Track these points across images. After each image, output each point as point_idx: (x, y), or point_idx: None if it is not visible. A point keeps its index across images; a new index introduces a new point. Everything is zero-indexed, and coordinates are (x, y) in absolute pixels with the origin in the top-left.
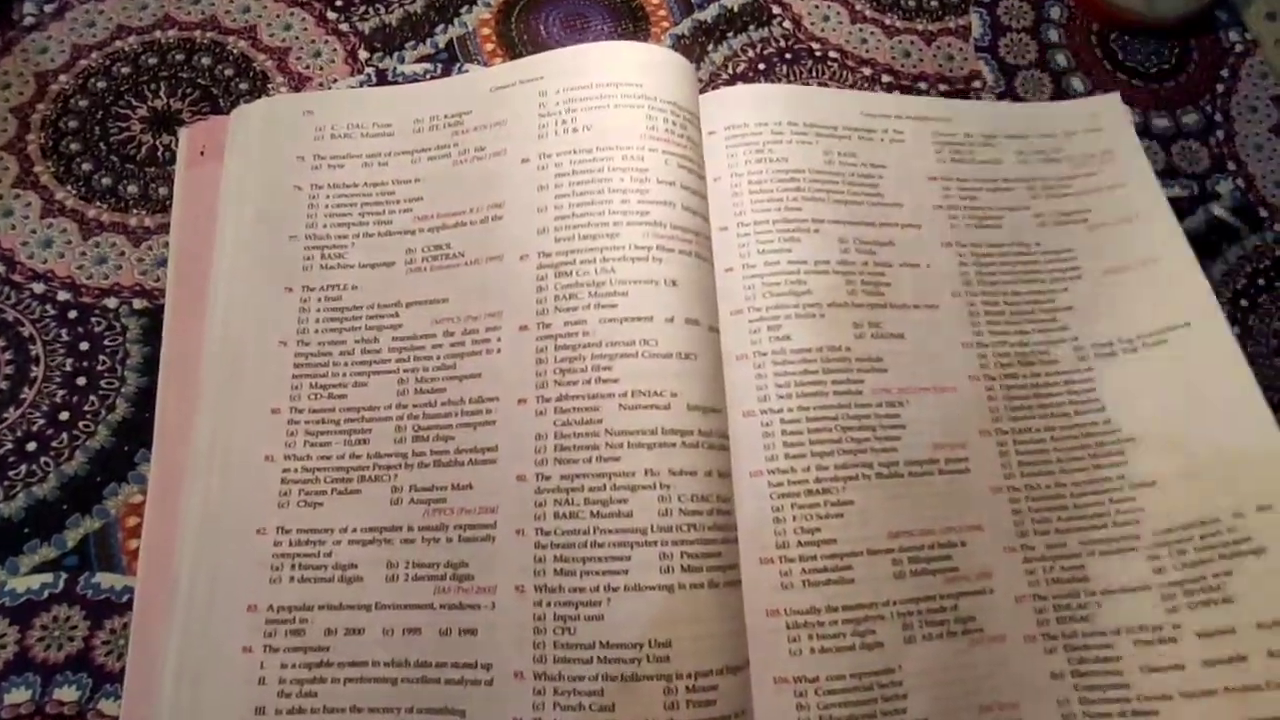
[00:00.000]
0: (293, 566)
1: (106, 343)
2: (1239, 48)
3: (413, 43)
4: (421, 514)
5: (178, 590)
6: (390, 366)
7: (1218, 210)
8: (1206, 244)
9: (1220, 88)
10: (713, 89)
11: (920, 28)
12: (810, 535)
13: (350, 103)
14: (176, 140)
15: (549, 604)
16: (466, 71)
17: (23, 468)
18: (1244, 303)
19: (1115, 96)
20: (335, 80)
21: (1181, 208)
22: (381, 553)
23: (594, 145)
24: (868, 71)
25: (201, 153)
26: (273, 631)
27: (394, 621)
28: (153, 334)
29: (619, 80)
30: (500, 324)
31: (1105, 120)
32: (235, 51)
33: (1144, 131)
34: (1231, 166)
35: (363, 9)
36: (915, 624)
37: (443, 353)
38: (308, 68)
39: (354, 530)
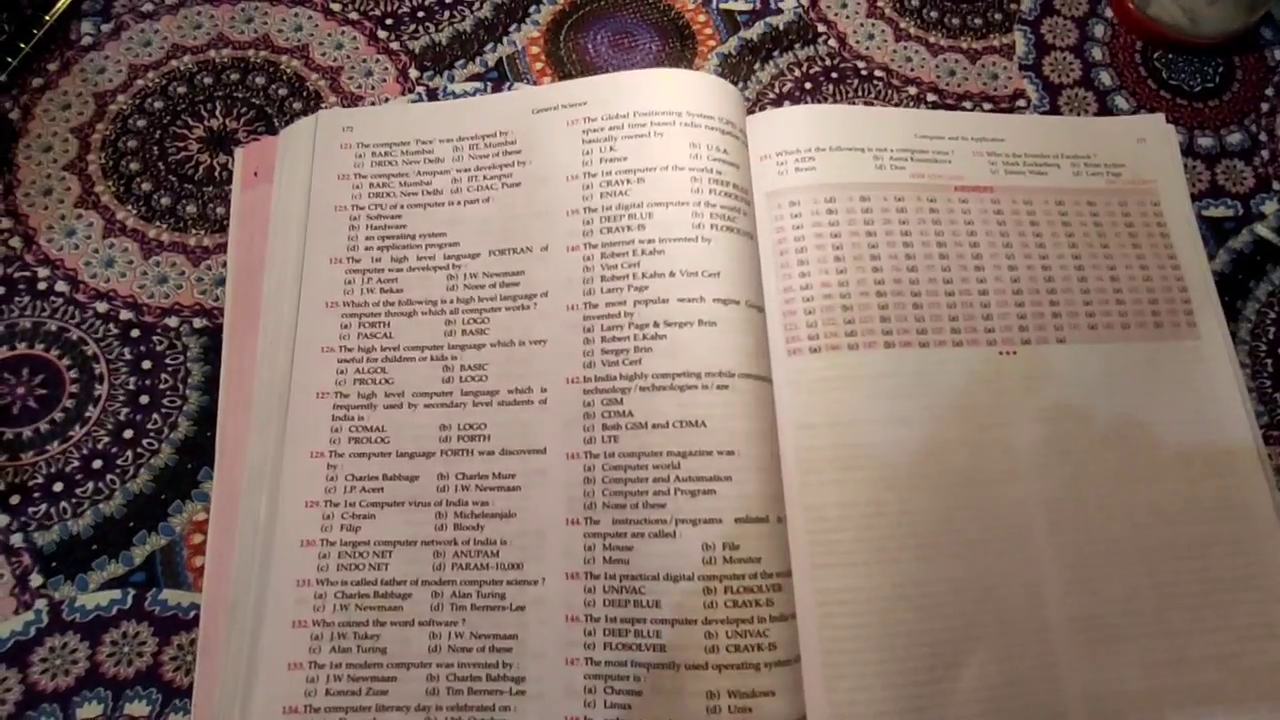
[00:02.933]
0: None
1: (168, 361)
2: None
3: (462, 61)
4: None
5: (233, 607)
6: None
7: (1262, 230)
8: (1251, 264)
9: (1265, 106)
10: (759, 109)
11: (965, 46)
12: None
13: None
14: (233, 160)
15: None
16: (518, 88)
17: (90, 485)
18: None
19: (1160, 117)
20: (386, 99)
21: (1225, 228)
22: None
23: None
24: (913, 90)
25: (255, 174)
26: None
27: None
28: (213, 352)
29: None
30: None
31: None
32: (288, 71)
33: (1188, 150)
34: (1276, 186)
35: (413, 28)
36: None
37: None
38: (359, 87)
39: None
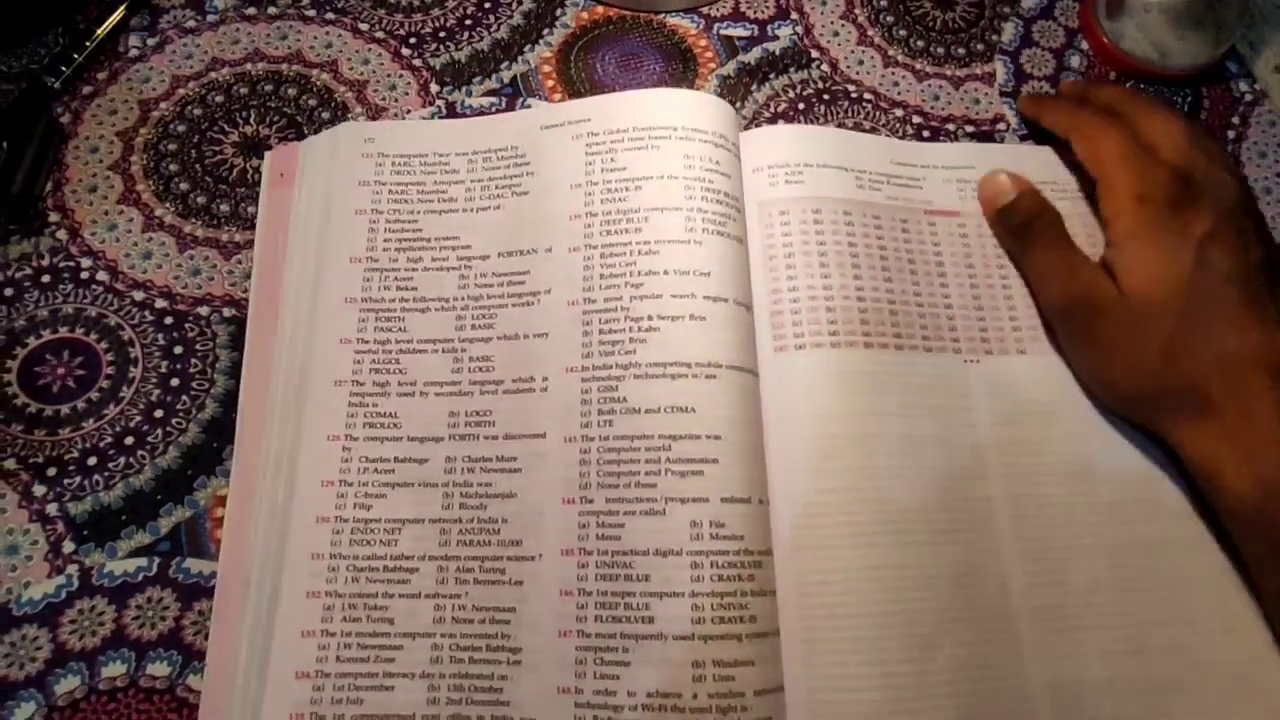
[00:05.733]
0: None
1: (198, 347)
2: (1249, 97)
3: (479, 78)
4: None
5: (250, 578)
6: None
7: None
8: None
9: (1231, 134)
10: (755, 126)
11: (948, 73)
12: None
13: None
14: (263, 163)
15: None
16: (529, 106)
17: (121, 460)
18: None
19: None
20: (409, 111)
21: None
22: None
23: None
24: (899, 113)
25: (281, 175)
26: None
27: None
28: (240, 340)
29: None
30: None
31: None
32: (318, 83)
33: None
34: None
35: (434, 46)
36: None
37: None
38: (384, 99)
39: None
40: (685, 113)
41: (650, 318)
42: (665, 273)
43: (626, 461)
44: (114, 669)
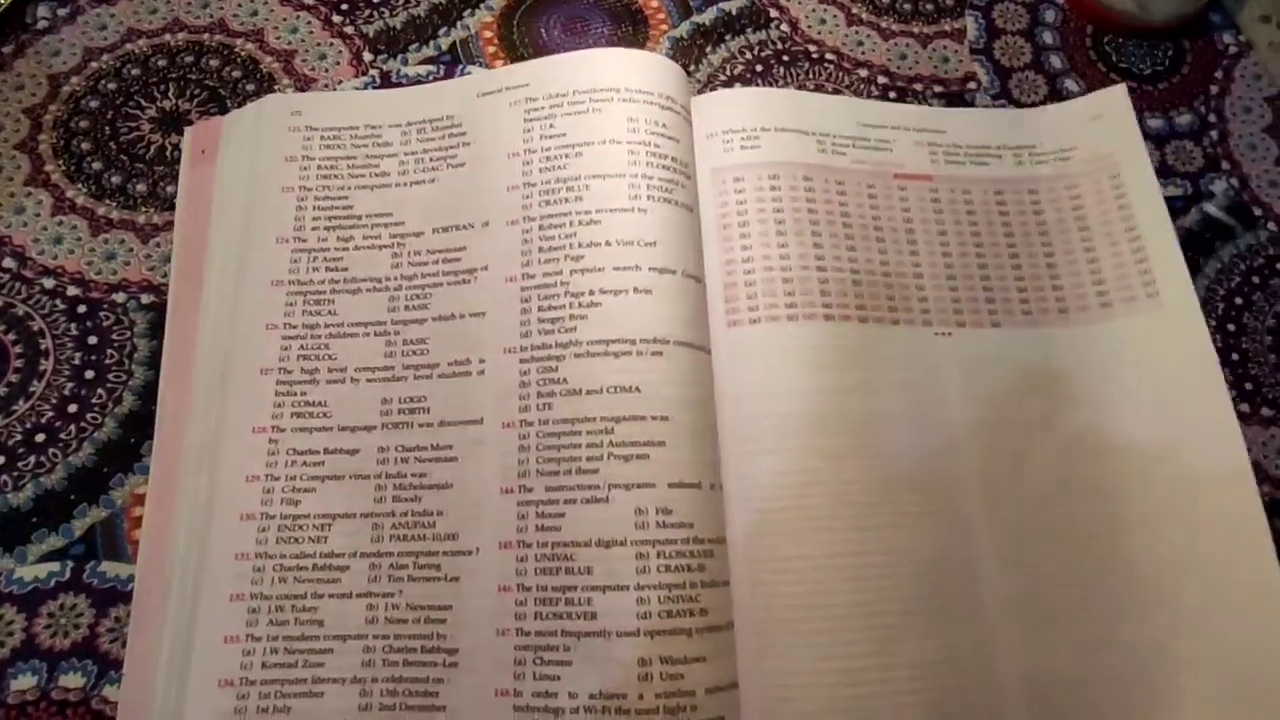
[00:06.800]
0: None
1: (114, 337)
2: (1233, 50)
3: (416, 45)
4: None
5: (170, 581)
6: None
7: (1211, 209)
8: (1200, 242)
9: (1214, 89)
10: (710, 90)
11: (916, 30)
12: None
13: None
14: (183, 140)
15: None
16: (468, 74)
17: (31, 459)
18: (1238, 300)
19: (1119, 89)
20: (340, 82)
21: (1175, 206)
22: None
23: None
24: (864, 73)
25: (203, 152)
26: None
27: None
28: (160, 328)
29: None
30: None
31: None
32: (243, 54)
33: None
34: (1225, 166)
35: (367, 12)
36: None
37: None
38: (313, 69)
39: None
40: (628, 74)
41: (592, 292)
42: (607, 244)
43: (567, 446)
44: (24, 681)
